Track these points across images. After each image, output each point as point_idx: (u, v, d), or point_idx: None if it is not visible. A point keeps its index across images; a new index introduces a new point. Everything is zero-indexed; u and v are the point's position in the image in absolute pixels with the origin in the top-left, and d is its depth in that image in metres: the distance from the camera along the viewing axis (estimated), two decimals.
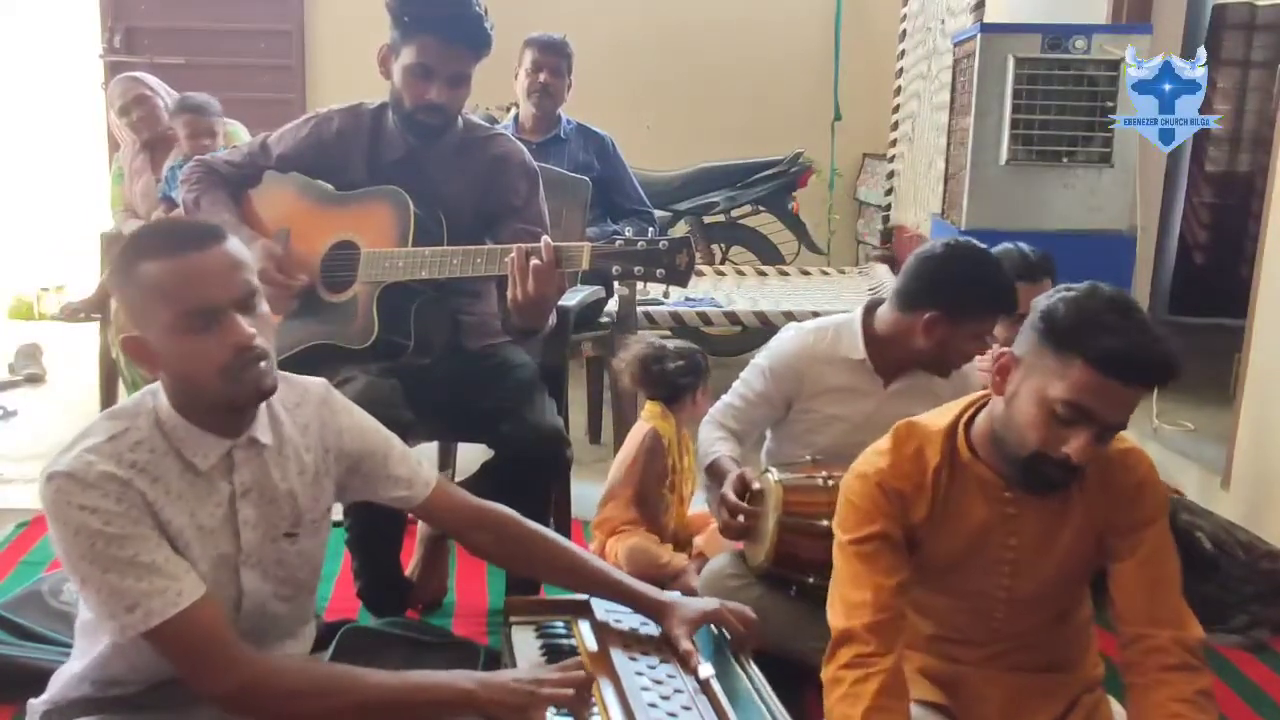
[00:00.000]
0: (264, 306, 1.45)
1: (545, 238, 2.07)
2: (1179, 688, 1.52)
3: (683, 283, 2.00)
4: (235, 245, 1.42)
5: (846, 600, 1.59)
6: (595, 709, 1.45)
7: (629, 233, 2.00)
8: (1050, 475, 1.52)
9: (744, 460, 2.32)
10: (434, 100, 2.26)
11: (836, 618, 1.60)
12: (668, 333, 4.48)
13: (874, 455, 1.66)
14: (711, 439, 2.35)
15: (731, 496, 2.15)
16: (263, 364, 1.41)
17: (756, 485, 2.15)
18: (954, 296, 2.10)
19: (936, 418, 1.67)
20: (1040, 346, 1.49)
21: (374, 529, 2.31)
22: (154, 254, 1.38)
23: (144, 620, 1.35)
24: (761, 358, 2.38)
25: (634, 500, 2.71)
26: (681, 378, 2.75)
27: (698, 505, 2.85)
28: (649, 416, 2.76)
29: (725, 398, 2.42)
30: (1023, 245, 2.54)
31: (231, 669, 1.37)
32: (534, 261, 2.04)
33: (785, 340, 2.36)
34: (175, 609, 1.35)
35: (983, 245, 2.20)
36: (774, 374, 2.32)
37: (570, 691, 1.43)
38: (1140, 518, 1.59)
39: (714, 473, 2.29)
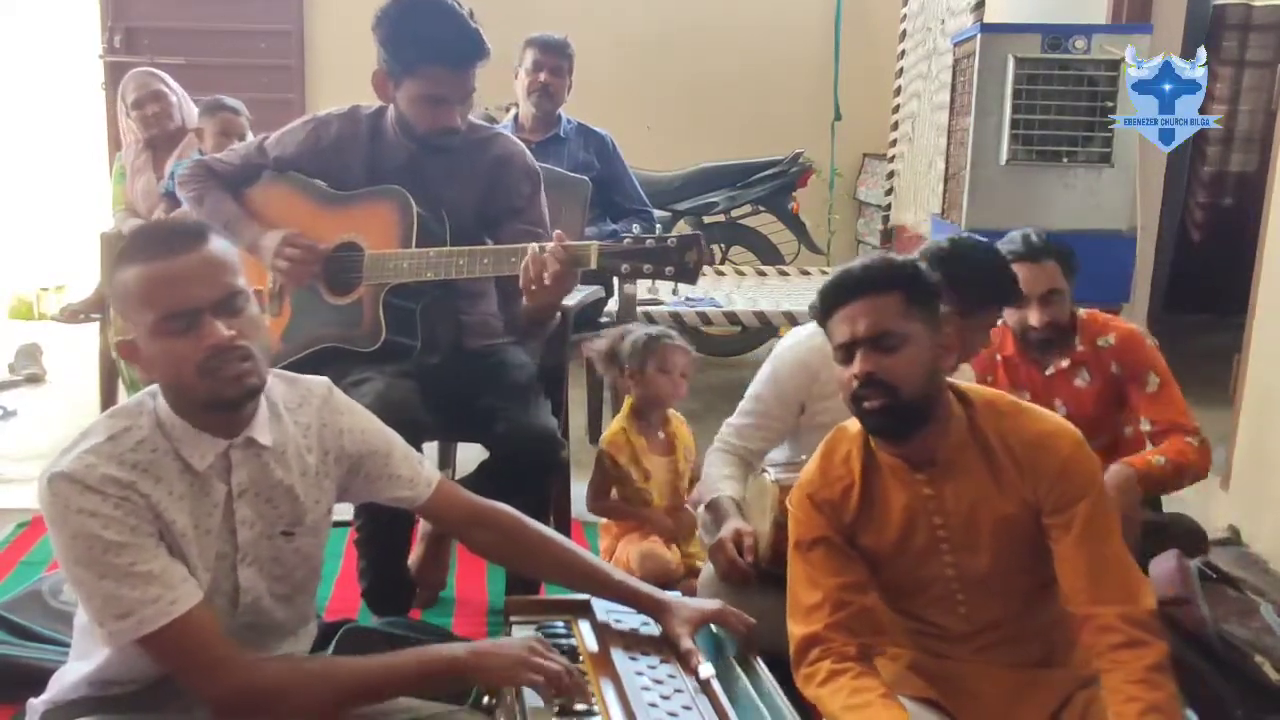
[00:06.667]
0: (253, 308, 1.44)
1: (558, 232, 2.07)
2: (1130, 667, 1.52)
3: (692, 280, 2.00)
4: (218, 247, 1.42)
5: (802, 604, 1.67)
6: (596, 709, 1.45)
7: (637, 229, 1.99)
8: (867, 408, 1.61)
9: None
10: (450, 125, 2.26)
11: (797, 624, 1.66)
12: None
13: (810, 464, 1.75)
14: (718, 475, 2.31)
15: (730, 549, 2.14)
16: (245, 363, 1.40)
17: (750, 558, 2.14)
18: (962, 293, 2.10)
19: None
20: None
21: (384, 529, 2.30)
22: (134, 259, 1.39)
23: (135, 629, 1.35)
24: (765, 369, 2.36)
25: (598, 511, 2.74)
26: (634, 347, 2.65)
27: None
28: (617, 419, 2.75)
29: (732, 421, 2.36)
30: (1029, 229, 2.51)
31: (221, 675, 1.38)
32: (552, 264, 2.02)
33: (789, 345, 2.35)
34: (167, 618, 1.36)
35: (982, 238, 2.24)
36: (784, 376, 2.30)
37: (558, 667, 1.43)
38: (1068, 496, 1.60)
39: (714, 511, 2.27)
